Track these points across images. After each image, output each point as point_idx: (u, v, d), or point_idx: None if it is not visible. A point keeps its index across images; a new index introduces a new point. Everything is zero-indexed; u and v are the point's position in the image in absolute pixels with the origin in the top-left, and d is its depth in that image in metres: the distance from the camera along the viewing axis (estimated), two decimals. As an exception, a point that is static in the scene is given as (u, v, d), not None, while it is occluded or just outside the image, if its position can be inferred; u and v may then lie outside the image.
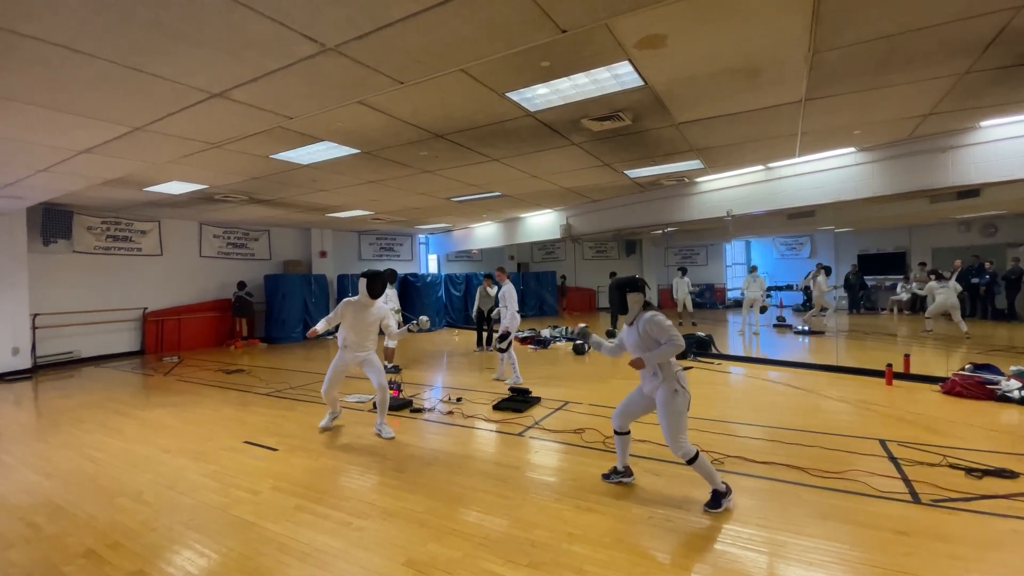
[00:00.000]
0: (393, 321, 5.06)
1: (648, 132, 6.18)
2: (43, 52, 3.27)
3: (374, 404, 5.95)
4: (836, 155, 7.81)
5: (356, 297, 4.89)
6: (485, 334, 10.65)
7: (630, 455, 3.68)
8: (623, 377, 7.35)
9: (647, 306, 3.40)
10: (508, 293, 7.48)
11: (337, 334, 5.03)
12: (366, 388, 6.90)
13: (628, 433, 3.61)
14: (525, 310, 17.62)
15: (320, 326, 4.80)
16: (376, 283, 4.86)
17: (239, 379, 8.00)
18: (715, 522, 3.03)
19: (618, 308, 3.47)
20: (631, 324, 3.40)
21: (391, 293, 8.18)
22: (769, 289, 18.08)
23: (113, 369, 9.36)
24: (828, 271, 12.38)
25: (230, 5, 2.84)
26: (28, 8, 2.80)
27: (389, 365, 8.10)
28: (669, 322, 3.25)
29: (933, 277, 10.46)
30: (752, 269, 12.23)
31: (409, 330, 4.94)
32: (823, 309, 12.26)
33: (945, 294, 10.02)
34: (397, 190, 9.01)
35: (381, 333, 5.18)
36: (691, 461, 3.16)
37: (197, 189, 8.21)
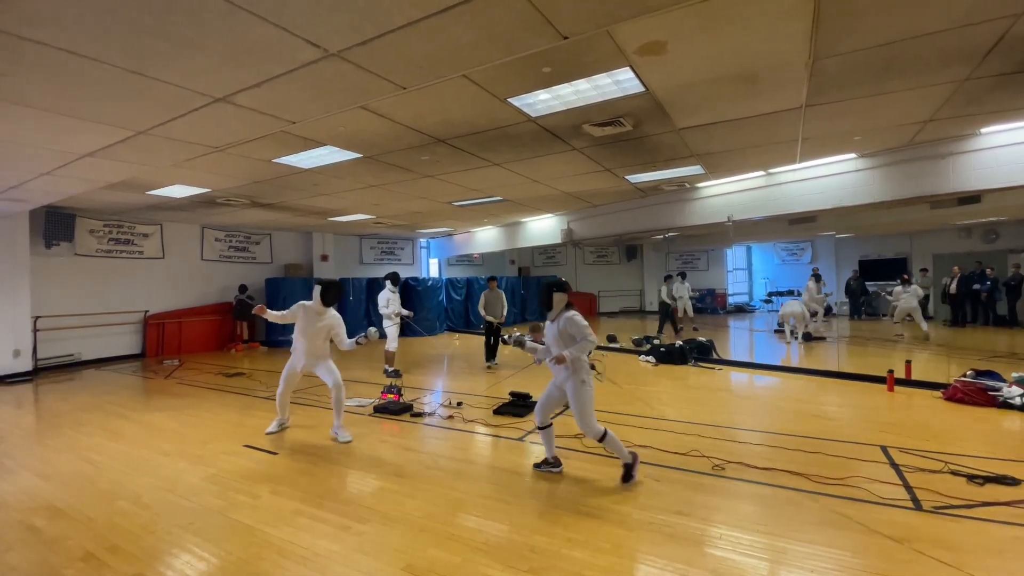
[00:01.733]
0: (343, 332, 5.06)
1: (649, 138, 6.20)
2: (47, 56, 3.29)
3: (374, 408, 5.97)
4: (837, 161, 7.83)
5: (310, 302, 4.91)
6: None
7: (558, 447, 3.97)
8: (623, 381, 7.34)
9: (568, 306, 3.80)
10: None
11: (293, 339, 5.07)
12: (366, 392, 6.91)
13: (551, 426, 3.96)
14: (526, 314, 17.65)
15: (271, 314, 4.88)
16: (330, 292, 4.92)
17: (239, 383, 8.00)
18: (715, 528, 3.02)
19: (544, 305, 3.86)
20: (553, 320, 3.81)
21: (393, 297, 8.08)
22: (770, 294, 18.14)
23: (114, 372, 9.36)
24: (818, 277, 12.47)
25: (234, 11, 2.86)
26: (33, 13, 2.82)
27: (390, 369, 8.11)
28: (585, 322, 3.68)
29: (900, 283, 11.08)
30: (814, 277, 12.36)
31: (358, 342, 4.95)
32: (813, 314, 12.24)
33: (906, 298, 10.63)
34: (399, 194, 9.04)
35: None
36: (601, 439, 3.63)
37: (199, 193, 8.24)
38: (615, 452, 3.69)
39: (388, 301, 7.99)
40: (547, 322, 3.91)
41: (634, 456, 3.72)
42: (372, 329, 5.13)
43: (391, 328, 8.06)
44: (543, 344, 4.02)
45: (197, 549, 2.92)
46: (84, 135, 4.79)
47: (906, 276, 11.48)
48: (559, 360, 3.60)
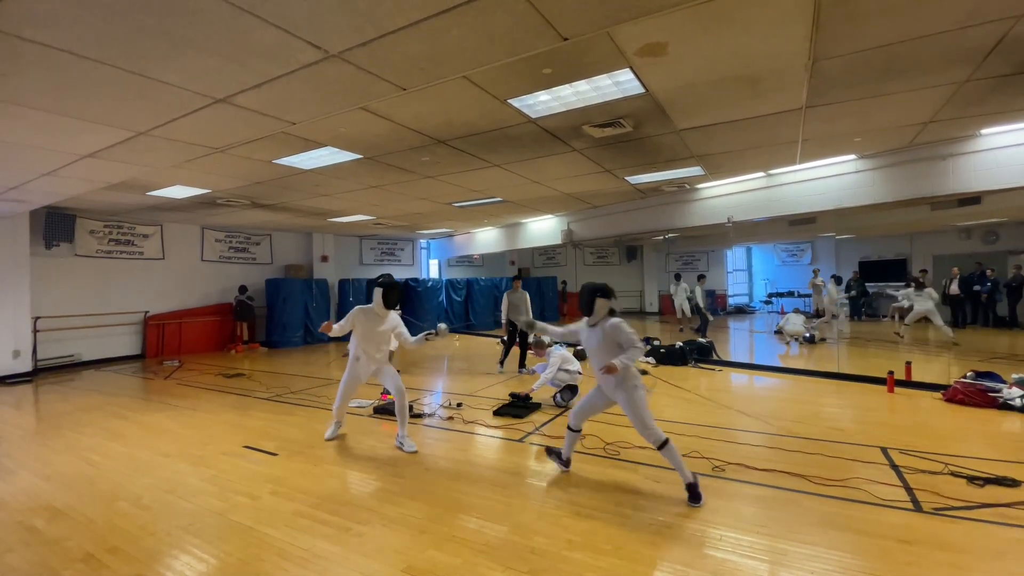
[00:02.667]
0: (406, 330, 4.88)
1: (649, 139, 6.20)
2: (49, 57, 3.29)
3: (374, 409, 5.97)
4: (837, 162, 7.84)
5: (370, 305, 4.76)
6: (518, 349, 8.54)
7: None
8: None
9: (612, 312, 3.69)
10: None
11: (348, 344, 4.90)
12: (366, 393, 6.90)
13: (580, 431, 3.95)
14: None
15: (336, 326, 4.70)
16: (392, 294, 4.72)
17: (239, 383, 8.00)
18: (715, 530, 3.02)
19: (585, 310, 3.73)
20: (593, 326, 3.70)
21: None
22: (770, 296, 18.14)
23: (114, 373, 9.36)
24: (838, 280, 12.43)
25: (235, 12, 2.86)
26: (35, 14, 2.83)
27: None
28: (631, 328, 3.56)
29: (912, 285, 10.73)
30: (834, 280, 12.32)
31: (427, 338, 4.73)
32: (834, 316, 12.25)
33: (920, 301, 10.26)
34: (399, 195, 9.04)
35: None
36: (662, 446, 3.47)
37: (200, 193, 8.24)
38: (675, 466, 3.44)
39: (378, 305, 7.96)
40: (583, 327, 3.80)
41: (695, 476, 3.43)
42: (442, 325, 4.91)
43: None
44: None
45: (197, 550, 2.92)
46: (85, 136, 4.80)
47: (919, 279, 11.01)
48: (609, 370, 3.45)
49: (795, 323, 11.08)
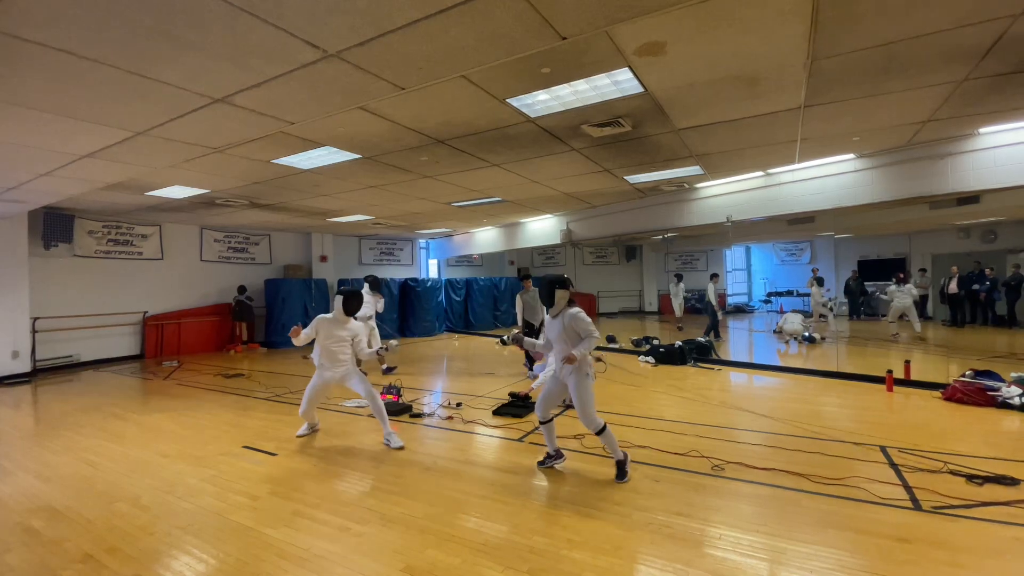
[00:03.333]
0: (365, 340, 5.03)
1: (648, 138, 6.20)
2: (47, 58, 3.29)
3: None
4: (836, 161, 7.84)
5: (330, 314, 4.88)
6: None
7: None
8: (622, 382, 7.34)
9: (571, 303, 3.90)
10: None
11: (312, 354, 4.98)
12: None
13: (552, 421, 4.06)
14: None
15: (304, 335, 4.72)
16: (352, 301, 4.91)
17: (238, 383, 7.99)
18: (715, 529, 3.02)
19: (547, 301, 3.94)
20: (555, 317, 3.91)
21: (371, 299, 8.22)
22: (769, 295, 18.15)
23: (113, 373, 9.35)
24: (820, 281, 12.45)
25: (234, 12, 2.86)
26: (33, 14, 2.82)
27: (384, 367, 8.21)
28: (588, 318, 3.79)
29: (894, 281, 10.97)
30: (816, 281, 12.31)
31: (378, 353, 4.94)
32: (822, 316, 12.32)
33: (900, 297, 10.56)
34: (398, 195, 9.04)
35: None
36: (600, 432, 3.72)
37: (199, 193, 8.23)
38: (609, 449, 3.79)
39: (364, 303, 8.13)
40: (547, 318, 4.02)
41: (625, 454, 3.83)
42: (393, 341, 5.11)
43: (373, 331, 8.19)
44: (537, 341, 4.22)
45: (196, 551, 2.92)
46: (83, 136, 4.79)
47: (901, 275, 11.27)
48: (569, 360, 3.70)
49: (793, 323, 11.11)
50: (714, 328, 11.72)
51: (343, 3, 2.80)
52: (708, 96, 4.88)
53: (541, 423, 4.07)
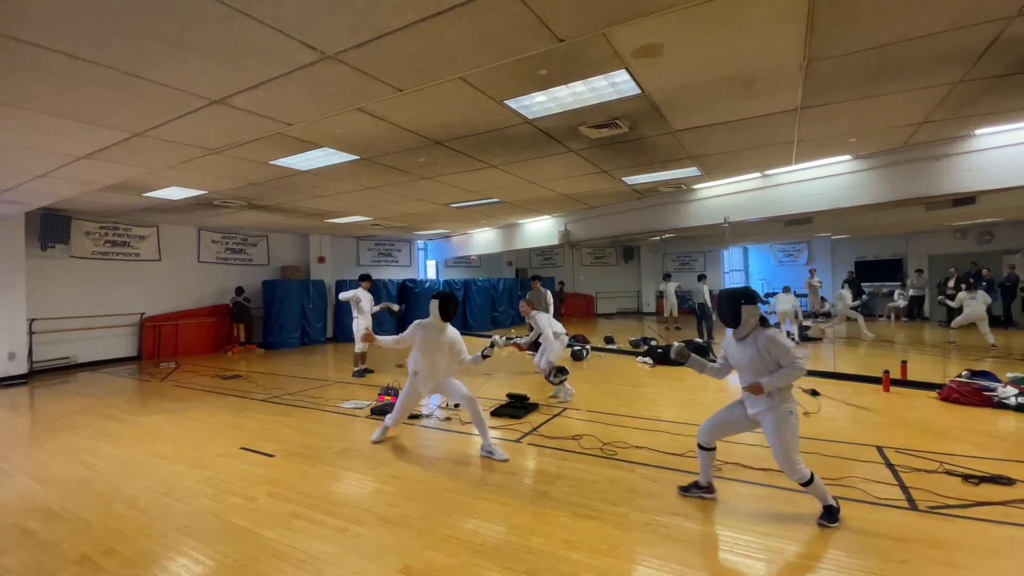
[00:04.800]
0: (464, 346, 4.62)
1: (645, 139, 6.22)
2: (44, 59, 3.28)
3: (371, 411, 5.96)
4: (832, 163, 7.87)
5: (427, 320, 4.54)
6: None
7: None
8: (620, 383, 7.35)
9: (763, 322, 3.13)
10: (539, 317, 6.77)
11: (407, 360, 4.77)
12: (364, 394, 6.90)
13: (714, 449, 3.41)
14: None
15: (384, 338, 4.57)
16: (449, 305, 4.48)
17: (236, 385, 7.98)
18: (712, 529, 3.02)
19: (730, 322, 3.15)
20: (743, 339, 3.16)
21: (365, 295, 8.32)
22: (766, 295, 18.17)
23: (110, 374, 9.33)
24: (853, 284, 12.41)
25: (230, 14, 2.86)
26: (30, 15, 2.82)
27: (359, 367, 8.35)
28: (791, 342, 3.06)
29: (964, 287, 10.00)
30: (785, 289, 12.13)
31: (484, 355, 4.54)
32: (848, 319, 12.22)
33: (972, 304, 9.67)
34: (396, 196, 9.04)
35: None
36: (807, 484, 3.04)
37: (196, 194, 8.22)
38: (819, 498, 3.09)
39: (370, 301, 8.29)
40: (732, 342, 3.27)
41: (836, 503, 3.12)
42: (497, 337, 4.75)
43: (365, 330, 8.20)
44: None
45: (193, 552, 2.91)
46: (80, 137, 4.78)
47: (971, 279, 10.27)
48: (755, 390, 3.04)
49: (785, 302, 10.96)
50: (708, 330, 11.76)
51: (340, 5, 2.81)
52: (705, 97, 4.90)
53: (700, 447, 3.41)
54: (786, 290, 11.70)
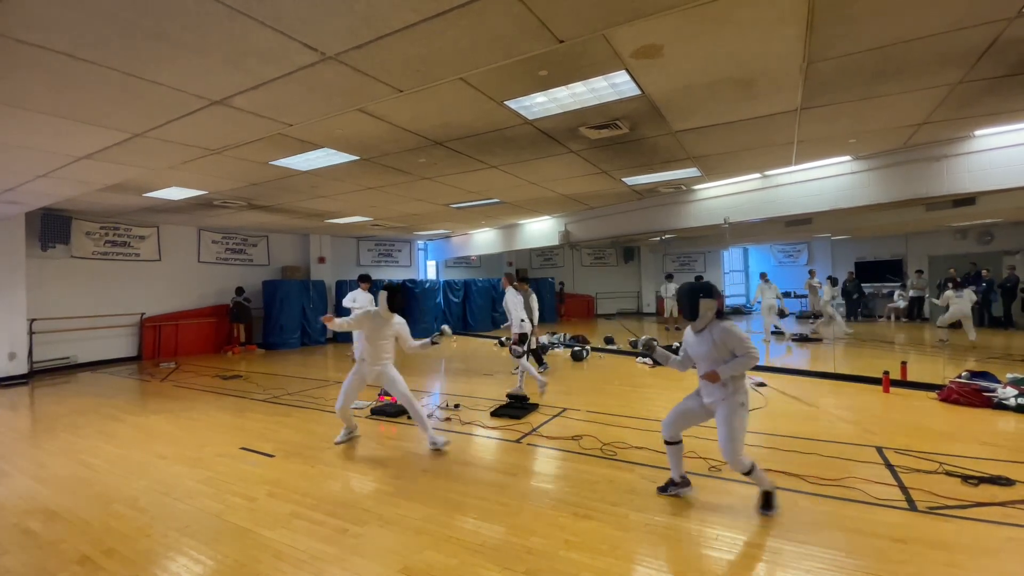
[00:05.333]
0: (408, 333, 4.91)
1: (645, 140, 6.22)
2: (45, 59, 3.29)
3: (371, 411, 5.96)
4: (832, 163, 7.87)
5: (376, 309, 4.81)
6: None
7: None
8: (620, 383, 7.35)
9: (720, 314, 3.27)
10: (510, 300, 7.24)
11: (353, 347, 4.90)
12: (364, 395, 6.90)
13: (680, 443, 3.48)
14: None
15: (340, 321, 4.71)
16: (396, 298, 4.77)
17: (236, 385, 7.98)
18: (712, 529, 3.03)
19: (689, 314, 3.31)
20: (700, 332, 3.29)
21: (365, 297, 8.26)
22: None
23: (110, 375, 9.33)
24: (834, 281, 12.44)
25: (231, 15, 2.87)
26: (31, 17, 2.83)
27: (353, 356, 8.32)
28: (745, 333, 3.18)
29: (951, 286, 10.19)
30: (762, 276, 12.11)
31: (433, 342, 4.80)
32: (819, 316, 12.32)
33: (958, 303, 9.86)
34: (396, 196, 9.04)
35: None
36: (748, 472, 3.17)
37: (196, 195, 8.23)
38: (759, 483, 3.22)
39: (354, 299, 8.20)
40: (690, 334, 3.41)
41: (773, 487, 3.25)
42: (445, 327, 4.97)
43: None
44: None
45: (193, 552, 2.92)
46: (81, 138, 4.79)
47: (958, 279, 10.55)
48: (712, 377, 3.17)
49: (768, 295, 11.11)
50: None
51: (340, 6, 2.81)
52: (705, 98, 4.91)
53: (667, 443, 3.48)
54: (763, 277, 11.62)
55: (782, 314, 11.89)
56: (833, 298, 12.32)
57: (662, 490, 3.54)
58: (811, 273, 13.65)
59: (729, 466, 3.22)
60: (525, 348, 6.86)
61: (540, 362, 8.52)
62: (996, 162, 6.51)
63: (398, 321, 4.87)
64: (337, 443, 4.86)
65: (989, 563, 2.61)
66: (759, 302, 11.58)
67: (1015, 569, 2.57)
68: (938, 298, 10.48)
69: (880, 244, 16.27)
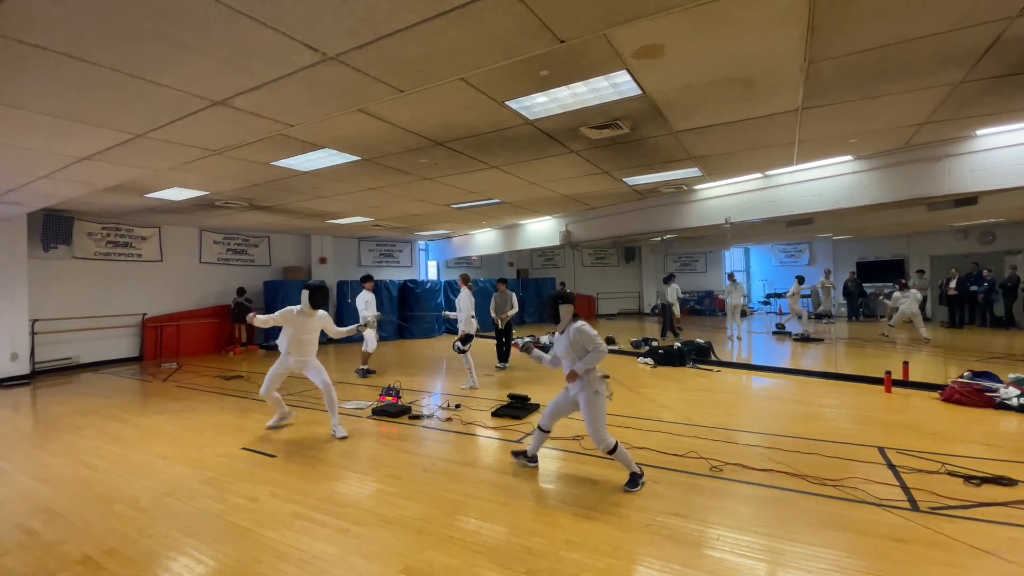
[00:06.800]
0: (332, 324, 5.41)
1: (646, 140, 6.22)
2: (47, 61, 3.30)
3: (372, 411, 5.97)
4: (833, 163, 7.86)
5: (299, 307, 5.18)
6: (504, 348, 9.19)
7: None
8: (621, 383, 7.34)
9: (576, 317, 3.82)
10: (463, 300, 7.76)
11: (278, 340, 5.34)
12: (365, 395, 6.91)
13: (549, 432, 4.07)
14: (525, 316, 17.62)
15: (263, 318, 5.13)
16: (318, 295, 5.19)
17: (237, 385, 7.99)
18: (713, 530, 3.02)
19: (551, 318, 3.85)
20: (561, 332, 3.81)
21: (370, 298, 8.44)
22: (768, 296, 18.16)
23: (111, 375, 9.35)
24: (801, 279, 12.66)
25: (233, 16, 2.87)
26: (34, 18, 2.83)
27: (363, 367, 8.57)
28: (595, 332, 3.71)
29: (898, 288, 11.32)
30: (730, 276, 12.30)
31: (358, 329, 5.31)
32: (799, 316, 12.38)
33: (907, 303, 10.75)
34: (397, 197, 9.05)
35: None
36: (611, 451, 3.62)
37: (198, 195, 8.24)
38: (624, 464, 3.68)
39: (367, 303, 8.35)
40: (556, 333, 3.91)
41: (641, 470, 3.71)
42: (371, 318, 5.45)
43: (369, 331, 8.42)
44: (547, 354, 4.15)
45: (195, 552, 2.92)
46: (82, 138, 4.80)
47: (904, 281, 11.67)
48: (571, 377, 3.72)
49: (736, 296, 11.52)
50: (671, 327, 12.01)
51: (341, 7, 2.82)
52: (706, 98, 4.90)
53: (539, 428, 4.05)
54: (731, 277, 12.09)
55: (744, 314, 12.39)
56: (798, 295, 12.58)
57: (514, 454, 4.21)
58: (826, 273, 13.65)
59: (595, 445, 3.70)
60: (470, 346, 7.32)
61: (504, 358, 9.09)
62: (998, 162, 6.50)
63: (321, 315, 5.32)
64: (268, 428, 5.36)
65: (991, 563, 2.61)
66: (727, 302, 12.02)
67: (1017, 570, 2.56)
68: (889, 299, 11.60)
69: (882, 244, 16.24)
